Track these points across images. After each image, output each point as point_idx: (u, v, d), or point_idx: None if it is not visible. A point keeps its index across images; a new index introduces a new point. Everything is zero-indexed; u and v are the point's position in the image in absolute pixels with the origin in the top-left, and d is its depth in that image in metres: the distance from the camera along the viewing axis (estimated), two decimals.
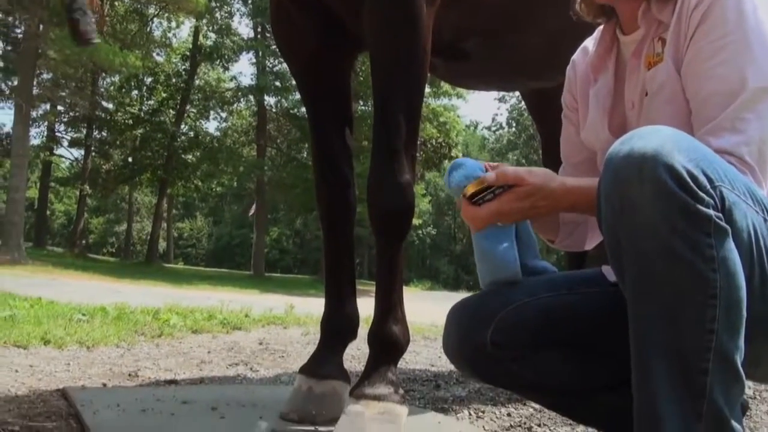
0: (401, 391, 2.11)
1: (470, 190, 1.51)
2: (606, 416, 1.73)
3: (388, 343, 2.16)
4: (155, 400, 2.35)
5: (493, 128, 51.90)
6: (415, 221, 36.35)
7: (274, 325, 5.79)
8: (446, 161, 32.54)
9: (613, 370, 1.57)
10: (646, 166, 1.18)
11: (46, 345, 3.71)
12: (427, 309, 5.54)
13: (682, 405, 1.21)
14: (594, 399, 1.71)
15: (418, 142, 2.33)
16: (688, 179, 1.16)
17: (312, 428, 2.09)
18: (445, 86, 29.47)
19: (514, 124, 48.11)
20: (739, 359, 1.23)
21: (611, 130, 1.64)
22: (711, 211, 1.18)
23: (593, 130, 1.70)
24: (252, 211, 31.63)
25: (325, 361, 2.32)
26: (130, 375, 3.06)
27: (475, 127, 54.49)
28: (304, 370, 2.31)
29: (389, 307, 2.18)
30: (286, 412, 2.20)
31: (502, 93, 46.12)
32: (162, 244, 46.61)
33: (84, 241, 41.38)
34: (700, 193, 1.17)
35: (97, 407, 2.16)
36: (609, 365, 1.59)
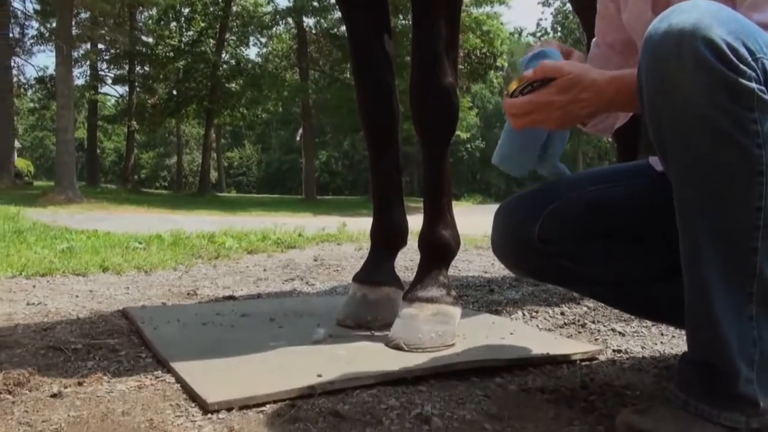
0: (454, 293, 2.13)
1: (512, 86, 1.47)
2: (659, 306, 1.72)
3: (439, 246, 2.17)
4: (215, 314, 2.42)
5: (538, 34, 50.65)
6: (463, 135, 36.10)
7: (328, 242, 5.87)
8: (492, 72, 31.96)
9: (662, 260, 1.55)
10: (684, 41, 1.14)
11: (105, 272, 3.81)
12: (479, 221, 5.53)
13: (733, 285, 1.20)
14: (645, 290, 1.70)
15: (462, 54, 2.28)
16: (728, 52, 1.12)
17: (368, 333, 2.13)
18: None
19: (559, 29, 46.86)
20: None
21: (655, 12, 1.57)
22: (753, 84, 1.13)
23: (637, 10, 1.64)
24: (298, 136, 31.64)
25: (377, 268, 2.34)
26: (188, 294, 3.14)
27: (520, 34, 53.12)
28: (358, 278, 2.34)
29: (438, 212, 2.18)
30: (341, 318, 2.25)
31: None
32: (213, 174, 47.21)
33: (136, 177, 42.30)
34: (741, 66, 1.12)
35: (157, 323, 2.23)
36: (658, 255, 1.57)
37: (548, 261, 1.66)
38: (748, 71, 1.12)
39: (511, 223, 1.71)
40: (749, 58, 1.13)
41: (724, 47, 1.12)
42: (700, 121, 1.15)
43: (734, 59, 1.12)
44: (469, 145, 51.35)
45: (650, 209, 1.55)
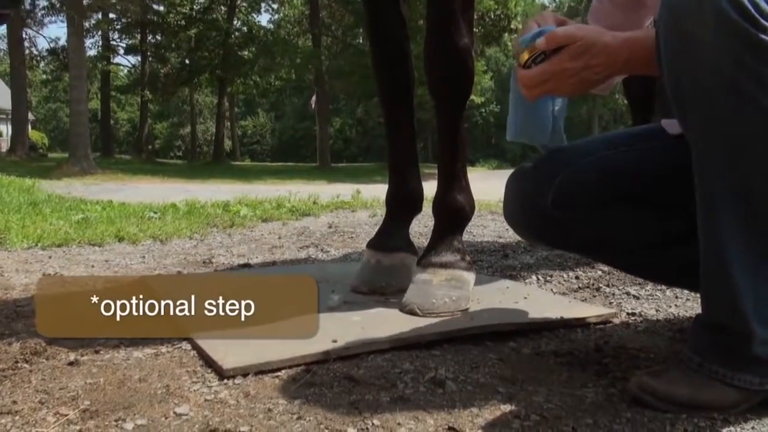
0: (468, 258, 2.12)
1: (524, 57, 1.44)
2: (674, 271, 1.70)
3: (453, 211, 2.15)
4: None
5: None
6: (478, 99, 35.80)
7: (342, 209, 5.87)
8: (506, 34, 31.54)
9: (678, 224, 1.53)
10: None
11: (120, 242, 3.82)
12: (495, 187, 5.49)
13: (750, 246, 1.19)
14: (661, 254, 1.68)
15: (475, 17, 2.23)
16: (750, 7, 1.09)
17: (382, 299, 2.12)
18: None
19: None
20: None
21: None
22: None
23: None
24: (313, 104, 31.56)
25: (391, 234, 2.33)
26: (204, 262, 3.16)
27: None
28: (372, 244, 2.33)
29: (453, 177, 2.16)
30: (356, 285, 2.24)
31: None
32: (227, 143, 47.25)
33: (150, 147, 42.45)
34: (763, 21, 1.09)
35: None
36: (674, 219, 1.55)
37: (562, 228, 1.64)
38: None
39: (524, 192, 1.68)
40: None
41: (746, 2, 1.09)
42: (721, 79, 1.13)
43: (756, 14, 1.08)
44: (483, 110, 50.91)
45: (665, 172, 1.52)
